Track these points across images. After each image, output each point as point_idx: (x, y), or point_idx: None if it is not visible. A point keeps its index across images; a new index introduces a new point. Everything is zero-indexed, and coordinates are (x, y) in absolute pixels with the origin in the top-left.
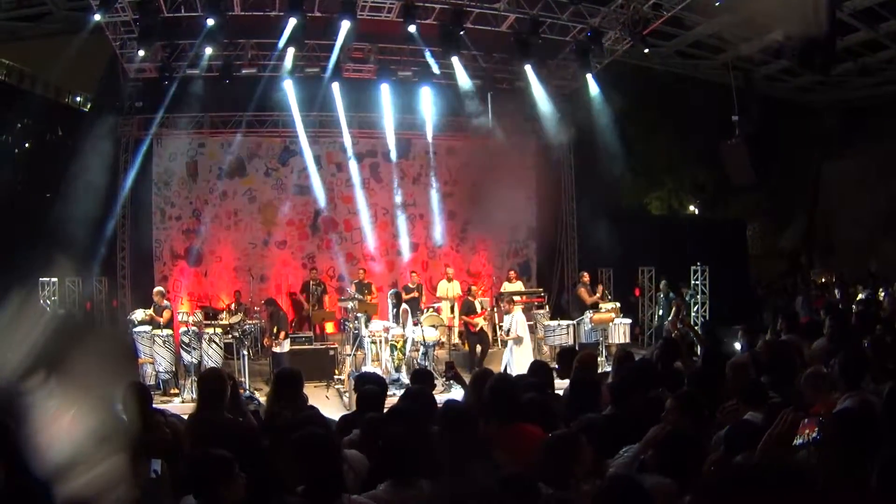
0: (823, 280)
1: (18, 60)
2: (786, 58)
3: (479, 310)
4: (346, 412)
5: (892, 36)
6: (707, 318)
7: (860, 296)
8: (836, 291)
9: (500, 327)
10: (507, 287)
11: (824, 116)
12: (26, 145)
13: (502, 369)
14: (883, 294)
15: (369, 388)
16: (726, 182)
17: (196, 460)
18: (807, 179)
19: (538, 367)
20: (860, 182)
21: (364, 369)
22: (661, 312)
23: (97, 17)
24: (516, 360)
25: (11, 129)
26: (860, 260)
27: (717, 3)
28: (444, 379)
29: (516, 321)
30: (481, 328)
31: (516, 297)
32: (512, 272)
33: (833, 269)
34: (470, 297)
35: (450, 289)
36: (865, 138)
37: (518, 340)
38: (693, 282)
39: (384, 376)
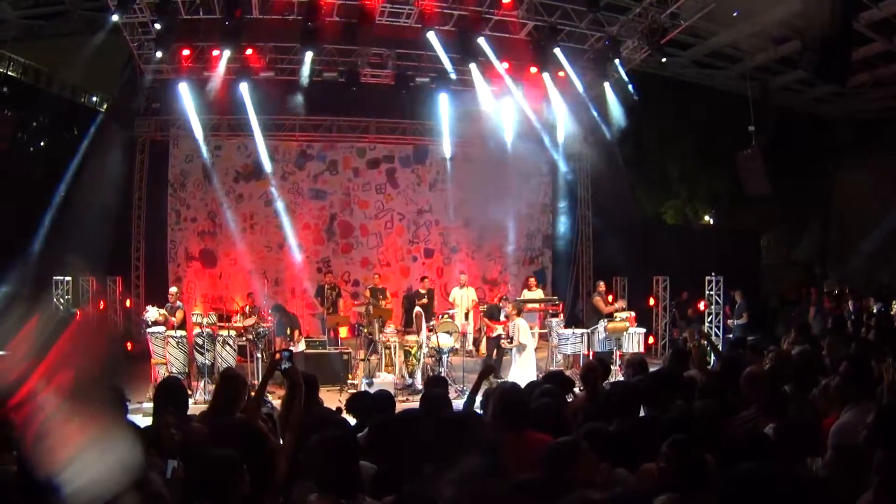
0: (836, 291)
1: (35, 59)
2: (802, 68)
3: (502, 318)
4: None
5: None
6: (722, 327)
7: (873, 308)
8: (850, 304)
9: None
10: (526, 294)
11: (839, 128)
12: (42, 144)
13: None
14: None
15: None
16: (741, 192)
17: (204, 461)
18: (821, 190)
19: (554, 375)
20: (875, 194)
21: (378, 374)
22: (736, 322)
23: (115, 17)
24: (518, 368)
25: (27, 128)
26: (874, 272)
27: (734, 14)
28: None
29: (518, 329)
30: (498, 335)
31: (532, 305)
32: (532, 280)
33: (846, 280)
34: (499, 305)
35: (463, 295)
36: (880, 150)
37: (520, 348)
38: (707, 292)
39: (397, 381)
